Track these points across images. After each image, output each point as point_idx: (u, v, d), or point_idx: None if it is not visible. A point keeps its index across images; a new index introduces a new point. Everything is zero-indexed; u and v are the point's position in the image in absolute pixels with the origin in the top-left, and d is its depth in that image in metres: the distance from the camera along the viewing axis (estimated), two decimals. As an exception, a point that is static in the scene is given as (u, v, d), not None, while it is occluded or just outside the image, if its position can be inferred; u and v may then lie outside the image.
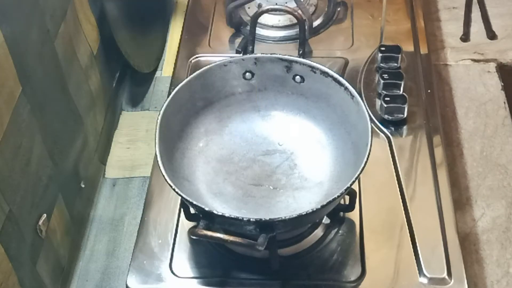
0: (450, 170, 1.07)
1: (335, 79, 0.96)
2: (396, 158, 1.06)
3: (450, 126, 1.20)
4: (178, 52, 1.26)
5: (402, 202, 1.00)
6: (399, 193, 1.01)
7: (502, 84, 1.28)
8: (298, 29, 1.16)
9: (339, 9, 1.31)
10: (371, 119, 0.92)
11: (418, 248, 0.95)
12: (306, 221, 0.93)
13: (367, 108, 0.93)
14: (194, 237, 0.87)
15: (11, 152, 0.89)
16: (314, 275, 0.94)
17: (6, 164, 0.88)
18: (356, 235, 0.98)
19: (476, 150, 1.18)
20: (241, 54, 1.21)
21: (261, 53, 1.01)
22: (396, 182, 1.03)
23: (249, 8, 1.31)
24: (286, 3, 1.26)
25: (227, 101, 1.02)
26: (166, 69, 1.40)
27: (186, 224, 0.99)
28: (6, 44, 0.87)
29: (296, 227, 0.94)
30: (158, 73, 1.40)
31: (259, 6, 1.27)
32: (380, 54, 1.17)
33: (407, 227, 0.97)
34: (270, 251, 0.90)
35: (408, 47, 1.21)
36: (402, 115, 1.10)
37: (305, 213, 0.83)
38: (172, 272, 0.95)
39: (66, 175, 1.09)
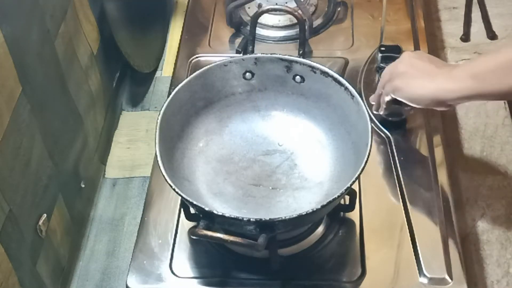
0: (450, 170, 1.07)
1: (335, 79, 0.96)
2: (396, 158, 1.05)
3: (450, 126, 1.20)
4: (178, 52, 1.26)
5: (402, 202, 1.00)
6: (399, 193, 1.01)
7: (502, 84, 1.28)
8: (298, 29, 1.16)
9: (339, 9, 1.31)
10: (371, 119, 0.92)
11: (418, 248, 0.95)
12: (306, 221, 0.93)
13: (367, 108, 0.93)
14: (194, 237, 0.87)
15: (11, 152, 0.89)
16: (314, 275, 0.94)
17: (6, 164, 0.88)
18: (356, 235, 0.97)
19: (476, 150, 1.17)
20: (241, 54, 1.21)
21: (261, 53, 1.01)
22: (396, 182, 1.03)
23: (249, 8, 1.31)
24: (286, 3, 1.26)
25: (227, 101, 1.02)
26: (166, 69, 1.40)
27: (186, 224, 0.99)
28: (6, 44, 0.87)
29: (296, 227, 0.94)
30: (158, 73, 1.40)
31: (259, 6, 1.27)
32: (380, 54, 1.17)
33: (407, 227, 0.97)
34: (270, 251, 0.90)
35: (408, 47, 1.21)
36: (402, 115, 1.10)
37: (305, 213, 0.83)
38: (172, 272, 0.95)
39: (66, 175, 1.09)
